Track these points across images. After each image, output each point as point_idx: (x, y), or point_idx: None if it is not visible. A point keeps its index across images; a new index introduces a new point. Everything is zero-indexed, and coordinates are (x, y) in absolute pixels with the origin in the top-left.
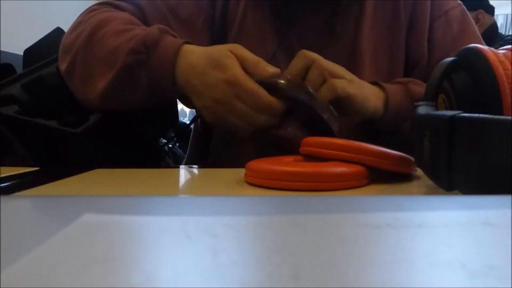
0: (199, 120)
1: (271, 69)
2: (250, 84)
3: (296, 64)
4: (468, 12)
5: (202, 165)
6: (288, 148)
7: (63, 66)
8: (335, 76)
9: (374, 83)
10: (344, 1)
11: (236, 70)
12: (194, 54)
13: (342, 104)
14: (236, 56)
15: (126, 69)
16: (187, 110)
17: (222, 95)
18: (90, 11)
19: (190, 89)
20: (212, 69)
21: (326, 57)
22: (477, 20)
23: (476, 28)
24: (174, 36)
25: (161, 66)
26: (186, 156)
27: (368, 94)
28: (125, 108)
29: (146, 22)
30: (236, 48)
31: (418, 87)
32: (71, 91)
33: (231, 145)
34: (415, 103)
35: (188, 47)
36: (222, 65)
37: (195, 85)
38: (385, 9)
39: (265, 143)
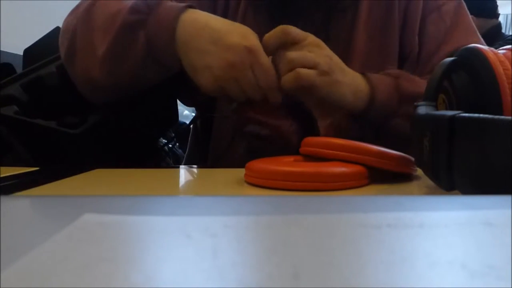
0: (198, 120)
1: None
2: (268, 61)
3: (272, 35)
4: (464, 6)
5: (201, 165)
6: (276, 137)
7: (63, 48)
8: (307, 66)
9: (362, 74)
10: (339, 6)
11: (258, 43)
12: (202, 14)
13: (313, 91)
14: None
15: (125, 29)
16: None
17: (239, 60)
18: None
19: (194, 45)
20: (231, 34)
21: None
22: None
23: (472, 22)
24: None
25: (160, 23)
26: (185, 155)
27: (345, 83)
28: (126, 84)
29: None
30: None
31: (409, 84)
32: (74, 76)
33: (229, 146)
34: (415, 103)
35: (194, 10)
36: (244, 33)
37: (203, 43)
38: (380, 9)
39: (258, 143)
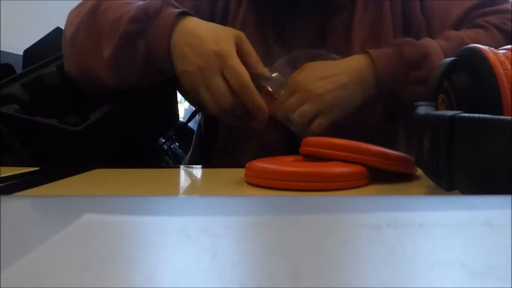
0: (201, 119)
1: (263, 71)
2: (238, 63)
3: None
4: None
5: (205, 164)
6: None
7: (64, 44)
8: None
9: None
10: (334, 6)
11: (230, 47)
12: (193, 21)
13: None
14: (240, 42)
15: (127, 38)
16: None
17: (207, 64)
18: None
19: (177, 52)
20: (206, 40)
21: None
22: None
23: None
24: (177, 8)
25: (158, 33)
26: (189, 154)
27: (349, 98)
28: (129, 83)
29: None
30: (241, 36)
31: (412, 48)
32: (73, 70)
33: (234, 143)
34: (415, 103)
35: (188, 17)
36: (218, 39)
37: (184, 50)
38: (373, 5)
39: (266, 143)
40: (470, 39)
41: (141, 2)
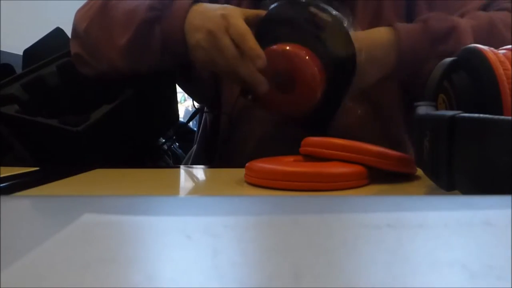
0: (208, 119)
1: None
2: (242, 22)
3: None
4: None
5: (208, 164)
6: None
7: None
8: None
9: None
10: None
11: (236, 11)
12: (207, 5)
13: None
14: (246, 16)
15: (144, 24)
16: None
17: (214, 26)
18: None
19: (190, 27)
20: (215, 9)
21: None
22: None
23: None
24: None
25: (173, 17)
26: (193, 154)
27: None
28: (143, 68)
29: None
30: (246, 10)
31: (438, 22)
32: (89, 54)
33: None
34: (415, 104)
35: (201, 3)
36: (225, 7)
37: (196, 23)
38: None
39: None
40: (498, 17)
41: None
